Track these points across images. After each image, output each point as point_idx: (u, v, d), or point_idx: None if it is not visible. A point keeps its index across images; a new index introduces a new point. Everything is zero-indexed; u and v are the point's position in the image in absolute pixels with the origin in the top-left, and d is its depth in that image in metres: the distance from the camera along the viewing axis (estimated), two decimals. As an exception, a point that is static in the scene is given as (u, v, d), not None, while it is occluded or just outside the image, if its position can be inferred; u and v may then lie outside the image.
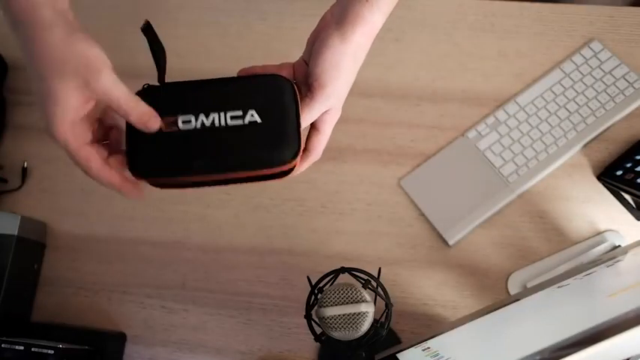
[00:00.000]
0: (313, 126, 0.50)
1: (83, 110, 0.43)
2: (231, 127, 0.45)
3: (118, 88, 0.43)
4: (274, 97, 0.46)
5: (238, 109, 0.45)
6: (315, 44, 0.47)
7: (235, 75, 0.49)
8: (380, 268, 0.52)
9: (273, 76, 0.47)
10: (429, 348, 0.54)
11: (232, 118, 0.45)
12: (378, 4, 0.46)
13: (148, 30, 0.46)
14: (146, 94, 0.46)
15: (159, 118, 0.44)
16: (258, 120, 0.45)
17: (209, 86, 0.47)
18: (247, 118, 0.45)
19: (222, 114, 0.45)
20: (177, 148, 0.45)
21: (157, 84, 0.47)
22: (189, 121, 0.45)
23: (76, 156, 0.44)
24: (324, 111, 0.48)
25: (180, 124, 0.45)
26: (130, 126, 0.45)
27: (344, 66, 0.46)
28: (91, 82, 0.42)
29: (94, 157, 0.45)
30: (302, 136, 0.46)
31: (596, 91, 0.80)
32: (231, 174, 0.46)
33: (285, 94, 0.46)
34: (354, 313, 0.48)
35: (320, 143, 0.50)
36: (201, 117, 0.45)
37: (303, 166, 0.50)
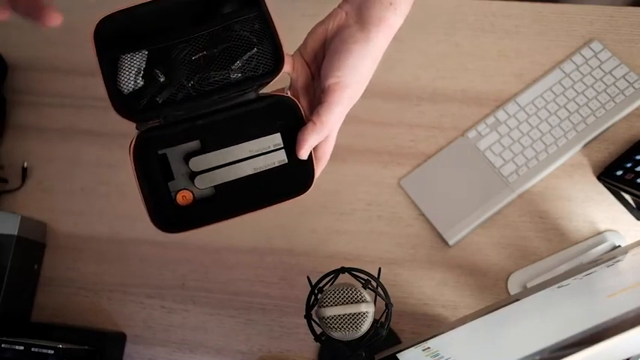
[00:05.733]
0: None
1: None
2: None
3: None
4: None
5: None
6: (334, 42, 0.45)
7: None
8: (380, 268, 0.52)
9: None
10: (429, 348, 0.54)
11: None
12: (401, 7, 0.44)
13: None
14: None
15: None
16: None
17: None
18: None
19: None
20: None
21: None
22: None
23: None
24: (344, 114, 0.45)
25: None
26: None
27: (366, 67, 0.45)
28: None
29: None
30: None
31: (596, 91, 0.80)
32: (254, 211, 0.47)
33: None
34: (354, 313, 0.48)
35: (329, 150, 0.48)
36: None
37: (314, 176, 0.49)
